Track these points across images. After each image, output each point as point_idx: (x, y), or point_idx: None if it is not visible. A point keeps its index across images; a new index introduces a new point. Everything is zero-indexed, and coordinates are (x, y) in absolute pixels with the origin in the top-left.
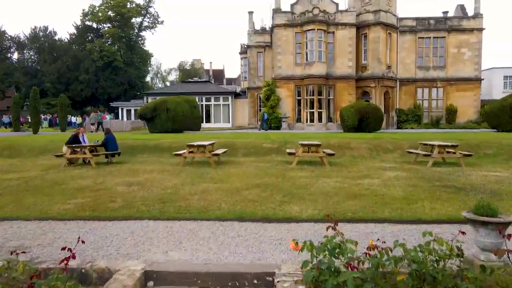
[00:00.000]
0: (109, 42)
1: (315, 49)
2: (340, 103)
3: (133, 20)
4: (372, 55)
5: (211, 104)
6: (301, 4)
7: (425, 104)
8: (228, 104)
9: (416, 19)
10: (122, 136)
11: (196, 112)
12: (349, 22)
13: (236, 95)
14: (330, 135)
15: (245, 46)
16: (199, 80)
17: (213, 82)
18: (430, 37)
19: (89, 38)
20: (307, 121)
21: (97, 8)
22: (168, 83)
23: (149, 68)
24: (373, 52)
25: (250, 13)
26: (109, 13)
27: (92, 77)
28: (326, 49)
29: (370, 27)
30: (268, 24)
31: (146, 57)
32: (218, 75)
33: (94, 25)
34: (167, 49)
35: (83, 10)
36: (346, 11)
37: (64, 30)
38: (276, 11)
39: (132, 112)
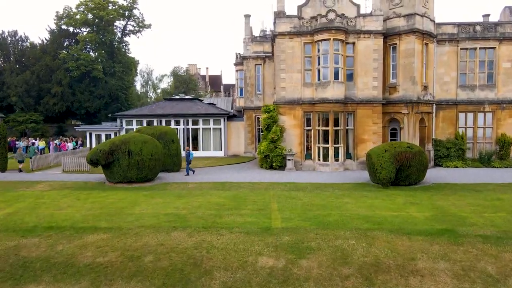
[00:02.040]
0: (87, 49)
1: (330, 65)
2: (362, 135)
3: (116, 23)
4: (403, 72)
5: (199, 128)
6: (312, 6)
7: (469, 133)
8: (220, 128)
9: (458, 25)
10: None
11: (174, 147)
12: (374, 29)
13: (230, 117)
14: (359, 202)
15: (241, 57)
16: (185, 97)
17: (209, 88)
18: (475, 48)
19: (66, 44)
20: (319, 159)
21: (74, 10)
22: (159, 91)
23: (136, 77)
24: (405, 69)
25: (247, 16)
26: (88, 16)
27: (67, 89)
28: (344, 65)
29: (401, 36)
30: (269, 27)
31: (130, 65)
32: (215, 81)
33: (72, 30)
34: (161, 55)
35: (57, 12)
36: (370, 15)
37: (39, 35)
38: (279, 15)
39: (103, 138)
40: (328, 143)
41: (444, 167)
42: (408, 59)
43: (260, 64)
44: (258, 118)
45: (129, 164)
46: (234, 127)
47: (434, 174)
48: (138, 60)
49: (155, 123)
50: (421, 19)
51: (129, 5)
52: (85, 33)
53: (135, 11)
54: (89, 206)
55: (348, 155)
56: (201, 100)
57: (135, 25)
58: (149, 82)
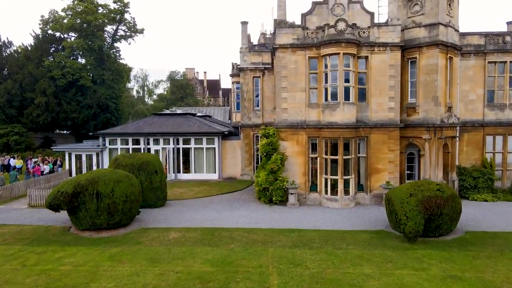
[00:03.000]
0: (74, 56)
1: (339, 84)
2: (376, 163)
3: (106, 28)
4: (424, 91)
5: (191, 148)
6: (318, 14)
7: (497, 159)
8: (214, 148)
9: (485, 35)
10: None
11: (157, 179)
12: (390, 41)
13: (225, 136)
14: (384, 276)
15: (237, 67)
16: (176, 112)
17: (207, 93)
18: (505, 62)
19: (52, 50)
20: (326, 192)
21: (61, 14)
22: (155, 96)
23: (130, 83)
24: (426, 87)
25: (244, 23)
26: (76, 20)
27: (52, 99)
28: (355, 83)
29: (421, 48)
30: (269, 29)
31: (121, 72)
32: (214, 86)
33: (59, 35)
34: (158, 59)
35: (42, 16)
36: (386, 24)
37: (23, 41)
38: (280, 24)
39: (84, 158)
40: (337, 174)
41: (471, 200)
42: (430, 76)
43: (259, 77)
44: (257, 136)
45: (97, 208)
46: (229, 146)
47: (463, 213)
48: (131, 67)
49: (141, 143)
50: (445, 29)
51: (120, 8)
52: (72, 38)
53: (126, 16)
54: (31, 283)
55: (360, 187)
56: (194, 115)
57: (126, 30)
58: (145, 88)
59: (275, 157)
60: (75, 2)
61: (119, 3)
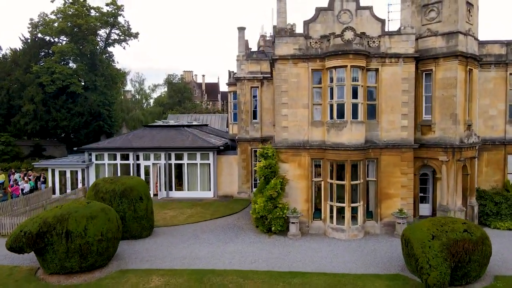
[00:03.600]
0: (64, 61)
1: (346, 100)
2: (387, 188)
3: (99, 32)
4: (441, 108)
5: (184, 164)
6: (323, 22)
7: None
8: (209, 164)
9: (507, 43)
10: None
11: (142, 206)
12: (404, 52)
13: (220, 151)
14: None
15: (234, 76)
16: (169, 124)
17: (206, 97)
18: None
19: (42, 55)
20: (332, 220)
21: (52, 17)
22: (151, 101)
23: (126, 87)
24: (443, 103)
25: (241, 29)
26: (67, 24)
27: (41, 107)
28: (364, 99)
29: (438, 60)
30: (269, 31)
31: (115, 77)
32: (212, 89)
33: (49, 39)
34: (155, 63)
35: (31, 20)
36: (398, 33)
37: (10, 45)
38: (279, 33)
39: (68, 175)
40: (343, 202)
41: (492, 228)
42: (448, 91)
43: (257, 87)
44: (255, 151)
45: (67, 250)
46: (225, 162)
47: None
48: (128, 71)
49: (130, 158)
50: (464, 38)
51: (114, 11)
52: (64, 42)
53: (120, 19)
54: None
55: (369, 214)
56: (190, 125)
57: (120, 34)
58: (141, 92)
59: (274, 182)
60: (66, 5)
61: (112, 6)
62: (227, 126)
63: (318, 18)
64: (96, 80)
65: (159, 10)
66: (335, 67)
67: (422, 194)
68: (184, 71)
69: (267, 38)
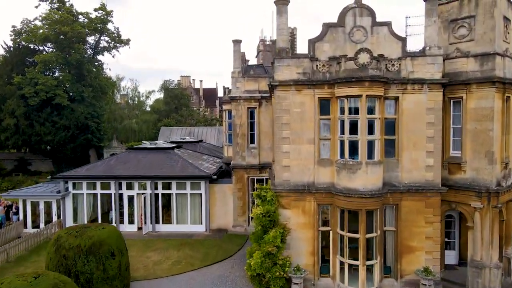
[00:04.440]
0: (50, 71)
1: (361, 137)
2: (409, 240)
3: (88, 39)
4: (474, 143)
5: (172, 194)
6: (331, 41)
7: None
8: (200, 194)
9: None
10: None
11: (114, 264)
12: (429, 77)
13: (213, 180)
14: None
15: (229, 94)
16: (156, 146)
17: (203, 103)
18: None
19: (27, 64)
20: (342, 280)
21: (37, 24)
22: (148, 108)
23: (117, 96)
24: (476, 138)
25: (236, 42)
26: (51, 31)
27: (23, 121)
28: (382, 133)
29: (470, 86)
30: (269, 35)
31: (104, 87)
32: (210, 95)
33: (34, 47)
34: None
35: (14, 27)
36: (422, 54)
37: None
38: (280, 54)
39: (41, 206)
40: (357, 259)
41: None
42: (482, 124)
43: (255, 108)
44: (252, 179)
45: None
46: (219, 191)
47: None
48: (122, 77)
49: (112, 187)
50: (502, 61)
51: (103, 17)
52: (49, 51)
53: (110, 26)
54: None
55: (387, 269)
56: (180, 146)
57: (109, 40)
58: (136, 99)
59: (273, 234)
60: (51, 11)
61: (100, 12)
62: (222, 147)
63: (326, 37)
64: (83, 91)
65: (158, 10)
66: (347, 97)
67: (446, 239)
68: (182, 76)
69: (267, 43)
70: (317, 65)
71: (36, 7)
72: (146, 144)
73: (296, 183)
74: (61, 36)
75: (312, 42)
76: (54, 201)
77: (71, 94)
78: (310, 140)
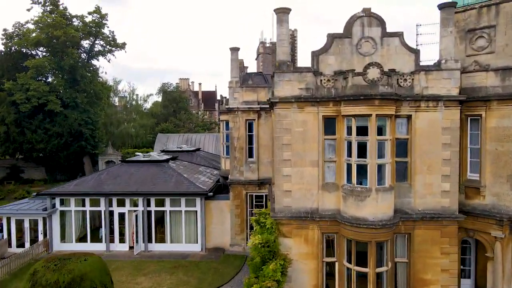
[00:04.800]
0: (43, 76)
1: (370, 160)
2: (423, 273)
3: (82, 42)
4: (494, 166)
5: (166, 211)
6: (337, 53)
7: None
8: (196, 211)
9: None
10: None
11: None
12: (445, 93)
13: (209, 197)
14: None
15: (227, 103)
16: (150, 159)
17: (202, 106)
18: None
19: (19, 68)
20: None
21: (30, 27)
22: (148, 106)
23: (114, 100)
24: (497, 160)
25: (233, 50)
26: (44, 34)
27: (13, 128)
28: (393, 155)
29: (490, 103)
30: (269, 37)
31: (99, 93)
32: (209, 98)
33: (27, 52)
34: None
35: (5, 30)
36: (438, 68)
37: None
38: (280, 67)
39: (26, 224)
40: None
41: None
42: (504, 145)
43: (253, 120)
44: (251, 195)
45: None
46: (216, 208)
47: None
48: (119, 80)
49: (102, 204)
50: None
51: (97, 20)
52: (42, 55)
53: (105, 29)
54: None
55: None
56: (175, 158)
57: (104, 44)
58: (133, 102)
59: (273, 267)
60: (44, 14)
61: (95, 15)
62: (220, 158)
63: (332, 49)
64: (77, 97)
65: (158, 10)
66: (354, 116)
67: (462, 267)
68: (180, 78)
69: (267, 45)
70: (321, 80)
71: (29, 10)
72: (140, 156)
73: (298, 210)
74: (54, 40)
75: (315, 55)
76: (41, 218)
77: (64, 100)
78: (314, 162)
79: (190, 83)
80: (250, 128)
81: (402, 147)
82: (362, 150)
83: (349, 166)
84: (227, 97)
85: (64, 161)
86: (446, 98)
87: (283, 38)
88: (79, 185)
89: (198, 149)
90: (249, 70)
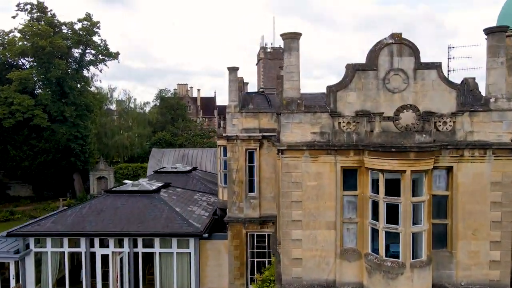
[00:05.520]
0: (31, 86)
1: (403, 228)
2: None
3: (73, 51)
4: None
5: (155, 253)
6: (359, 88)
7: None
8: (189, 253)
9: None
10: None
11: None
12: (495, 140)
13: (203, 238)
14: None
15: (224, 126)
16: (139, 190)
17: (201, 113)
18: None
19: (3, 80)
20: None
21: (14, 35)
22: (143, 119)
23: (109, 107)
24: None
25: (232, 70)
26: (29, 44)
27: None
28: (429, 218)
29: None
30: (270, 41)
31: (90, 105)
32: (208, 104)
33: (12, 62)
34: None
35: None
36: (485, 108)
37: None
38: (289, 106)
39: None
40: None
41: None
42: None
43: (255, 149)
44: (252, 235)
45: None
46: (212, 249)
47: None
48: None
49: (82, 245)
50: None
51: (88, 27)
52: (28, 65)
53: (96, 38)
54: None
55: None
56: (169, 185)
57: (96, 53)
58: (129, 112)
59: None
60: (30, 22)
61: (85, 22)
62: (217, 187)
63: (353, 83)
64: (65, 110)
65: (158, 10)
66: (382, 171)
67: None
68: (178, 84)
69: (268, 50)
70: (339, 123)
71: (14, 17)
72: (128, 184)
73: (310, 283)
74: (40, 51)
75: (332, 91)
76: (12, 262)
77: (51, 114)
78: (330, 224)
79: (188, 88)
80: (250, 158)
81: (440, 206)
82: (391, 212)
83: (374, 231)
84: (225, 121)
85: (52, 178)
86: (496, 145)
87: (292, 69)
88: (56, 223)
89: (195, 169)
90: (249, 70)
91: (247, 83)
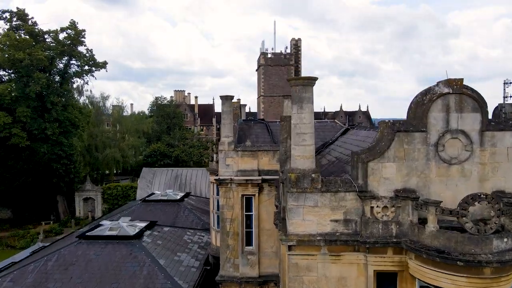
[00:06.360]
0: (8, 103)
1: None
2: None
3: (56, 62)
4: None
5: None
6: (401, 158)
7: None
8: None
9: None
10: None
11: None
12: None
13: None
14: None
15: (217, 161)
16: (117, 235)
17: (199, 121)
18: None
19: None
20: None
21: None
22: (147, 110)
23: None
24: None
25: (226, 99)
26: (5, 56)
27: None
28: None
29: None
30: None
31: (75, 120)
32: (206, 111)
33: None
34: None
35: None
36: None
37: None
38: (299, 183)
39: None
40: None
41: None
42: None
43: (253, 195)
44: None
45: None
46: None
47: None
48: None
49: None
50: None
51: (73, 36)
52: (6, 79)
53: (81, 48)
54: None
55: None
56: (154, 224)
57: (82, 64)
58: (122, 122)
59: None
60: (8, 31)
61: (69, 31)
62: (209, 229)
63: (391, 150)
64: (47, 128)
65: (158, 10)
66: None
67: None
68: (175, 91)
69: (269, 56)
70: (372, 207)
71: None
72: (105, 226)
73: None
74: (17, 63)
75: (362, 161)
76: None
77: (30, 132)
78: None
79: (186, 95)
80: (248, 206)
81: None
82: None
83: None
84: (218, 159)
85: (33, 201)
86: None
87: (304, 130)
88: (15, 282)
89: (187, 195)
90: (249, 70)
91: (245, 105)
